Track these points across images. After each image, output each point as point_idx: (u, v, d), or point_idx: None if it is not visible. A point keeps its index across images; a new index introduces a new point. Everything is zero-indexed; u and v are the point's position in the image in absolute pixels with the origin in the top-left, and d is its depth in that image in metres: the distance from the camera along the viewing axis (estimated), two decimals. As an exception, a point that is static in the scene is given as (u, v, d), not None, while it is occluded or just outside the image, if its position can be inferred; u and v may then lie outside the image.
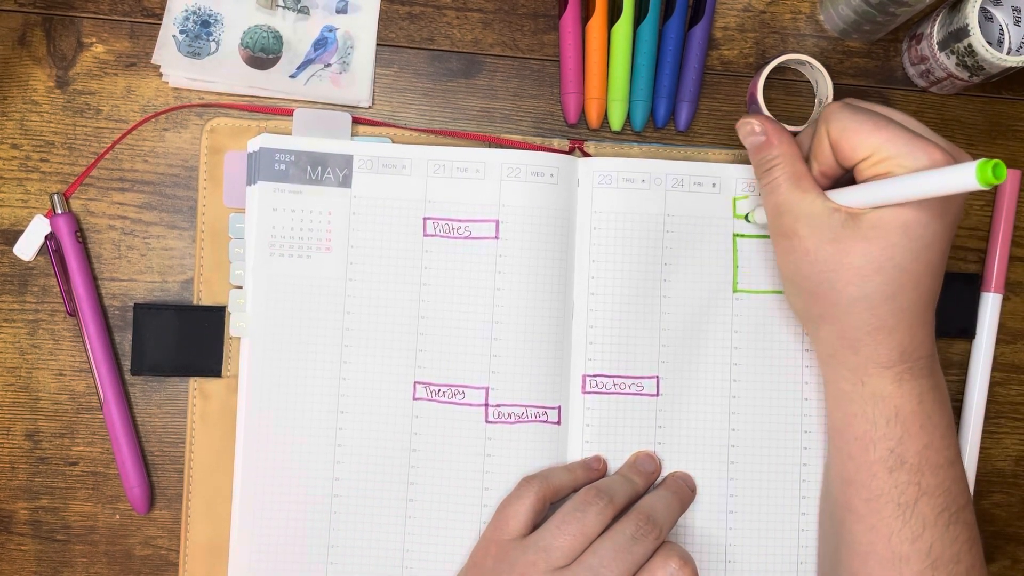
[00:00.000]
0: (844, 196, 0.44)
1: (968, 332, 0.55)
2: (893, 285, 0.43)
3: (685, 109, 0.55)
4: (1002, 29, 0.54)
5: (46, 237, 0.52)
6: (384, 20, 0.55)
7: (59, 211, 0.52)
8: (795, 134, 0.53)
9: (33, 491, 0.53)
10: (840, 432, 0.47)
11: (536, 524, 0.47)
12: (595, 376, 0.52)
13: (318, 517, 0.51)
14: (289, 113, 0.53)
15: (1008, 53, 0.53)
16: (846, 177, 0.46)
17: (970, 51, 0.50)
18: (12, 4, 0.53)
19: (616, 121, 0.55)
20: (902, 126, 0.43)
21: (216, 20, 0.53)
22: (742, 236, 0.53)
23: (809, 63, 0.53)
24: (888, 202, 0.42)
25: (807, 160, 0.47)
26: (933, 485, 0.45)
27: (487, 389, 0.51)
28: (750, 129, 0.47)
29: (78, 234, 0.52)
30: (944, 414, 0.46)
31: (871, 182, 0.43)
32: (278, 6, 0.54)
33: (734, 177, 0.53)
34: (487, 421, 0.51)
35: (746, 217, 0.53)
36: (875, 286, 0.43)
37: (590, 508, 0.46)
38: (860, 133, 0.43)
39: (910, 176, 0.41)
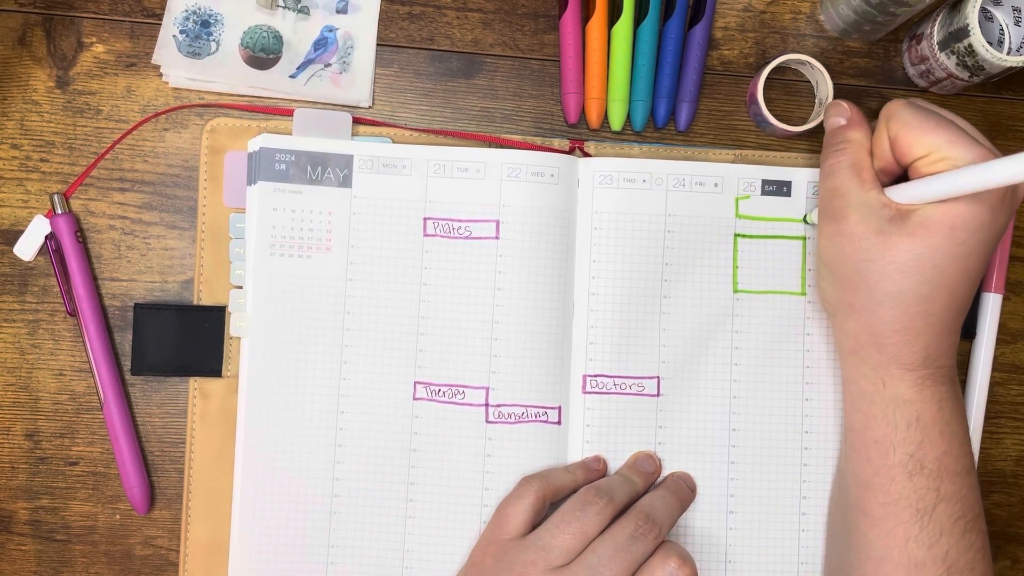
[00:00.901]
0: (895, 192, 0.44)
1: (968, 332, 0.55)
2: (929, 286, 0.43)
3: (685, 109, 0.55)
4: (1002, 29, 0.54)
5: (46, 237, 0.52)
6: (384, 20, 0.55)
7: (59, 211, 0.52)
8: (796, 135, 0.54)
9: (33, 491, 0.53)
10: (859, 434, 0.47)
11: (535, 524, 0.47)
12: (595, 376, 0.52)
13: (318, 517, 0.51)
14: (289, 113, 0.53)
15: (1008, 53, 0.53)
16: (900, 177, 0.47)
17: (970, 51, 0.50)
18: (12, 4, 0.53)
19: (616, 121, 0.55)
20: (963, 130, 0.43)
21: (216, 20, 0.53)
22: (743, 236, 0.53)
23: (809, 63, 0.53)
24: (938, 197, 0.42)
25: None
26: (951, 492, 0.45)
27: (487, 389, 0.51)
28: (840, 110, 0.48)
29: (78, 234, 0.52)
30: (961, 423, 0.46)
31: (924, 178, 0.43)
32: (278, 6, 0.54)
33: (735, 177, 0.53)
34: (487, 421, 0.51)
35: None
36: (911, 284, 0.43)
37: (589, 507, 0.46)
38: (919, 131, 0.43)
39: (960, 170, 0.41)
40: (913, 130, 0.44)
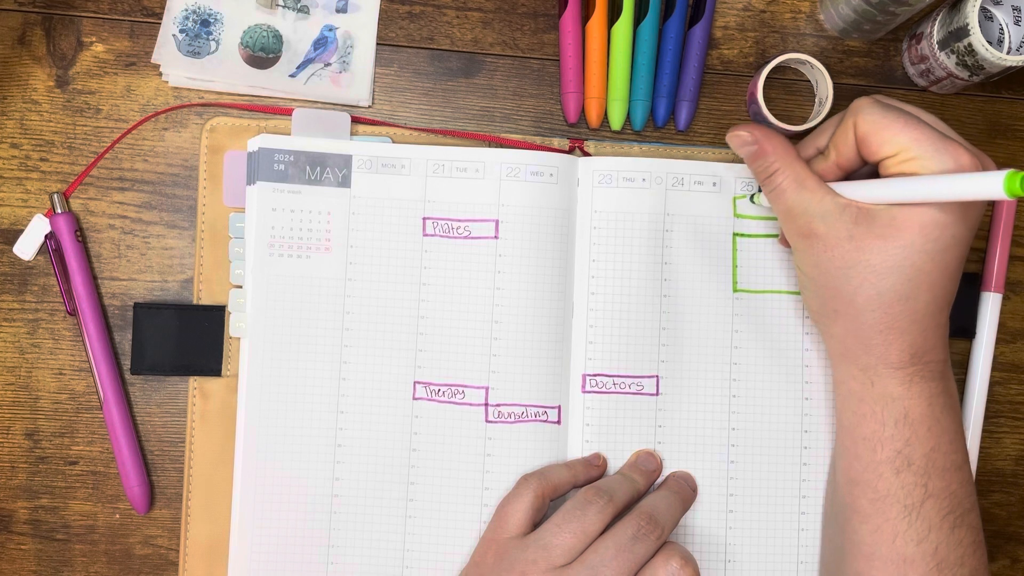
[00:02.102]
0: (862, 191, 0.44)
1: (968, 332, 0.55)
2: (908, 285, 0.43)
3: (685, 108, 0.55)
4: (1002, 28, 0.54)
5: (46, 236, 0.52)
6: (384, 19, 0.55)
7: (59, 210, 0.52)
8: (800, 134, 0.53)
9: (33, 491, 0.53)
10: (848, 432, 0.47)
11: (536, 522, 0.47)
12: (595, 375, 0.52)
13: (318, 517, 0.51)
14: (289, 112, 0.53)
15: (1008, 52, 0.53)
16: (862, 171, 0.46)
17: (970, 50, 0.50)
18: (12, 3, 0.53)
19: (616, 120, 0.55)
20: (931, 127, 0.43)
21: (216, 19, 0.53)
22: (742, 236, 0.53)
23: (809, 63, 0.53)
24: (907, 200, 0.42)
25: (827, 150, 0.46)
26: (939, 488, 0.45)
27: (487, 389, 0.52)
28: (741, 140, 0.47)
29: (78, 233, 0.52)
30: (953, 419, 0.46)
31: (892, 179, 0.43)
32: (278, 5, 0.54)
33: (734, 176, 0.53)
34: (487, 421, 0.51)
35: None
36: (890, 285, 0.43)
37: (590, 507, 0.46)
38: (888, 130, 0.43)
39: (934, 177, 0.41)
40: (882, 129, 0.43)
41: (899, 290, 0.43)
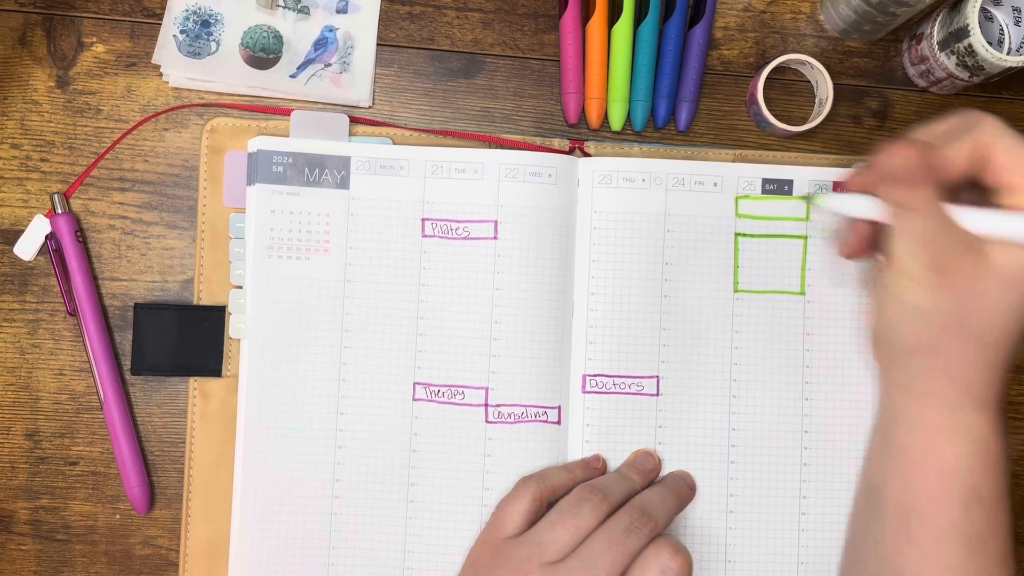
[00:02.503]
0: (983, 220, 0.42)
1: (969, 332, 0.55)
2: (1020, 327, 0.42)
3: (685, 109, 0.55)
4: (1002, 29, 0.54)
5: (46, 237, 0.52)
6: (384, 20, 0.55)
7: (59, 211, 0.52)
8: (796, 135, 0.53)
9: (33, 491, 0.53)
10: (917, 464, 0.45)
11: (533, 523, 0.47)
12: (595, 376, 0.52)
13: (318, 517, 0.51)
14: (289, 113, 0.53)
15: (1008, 53, 0.53)
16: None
17: (970, 51, 0.50)
18: (12, 4, 0.53)
19: (616, 121, 0.55)
20: None
21: (216, 20, 0.53)
22: (743, 236, 0.53)
23: (809, 63, 0.53)
24: None
25: None
26: (1000, 522, 0.44)
27: (487, 389, 0.52)
28: (900, 161, 0.42)
29: (78, 234, 0.52)
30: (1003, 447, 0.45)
31: None
32: (278, 6, 0.54)
33: (735, 176, 0.53)
34: (487, 421, 0.51)
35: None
36: (1004, 326, 0.42)
37: (584, 504, 0.46)
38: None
39: None
40: (1016, 156, 0.41)
41: (1011, 331, 0.42)
